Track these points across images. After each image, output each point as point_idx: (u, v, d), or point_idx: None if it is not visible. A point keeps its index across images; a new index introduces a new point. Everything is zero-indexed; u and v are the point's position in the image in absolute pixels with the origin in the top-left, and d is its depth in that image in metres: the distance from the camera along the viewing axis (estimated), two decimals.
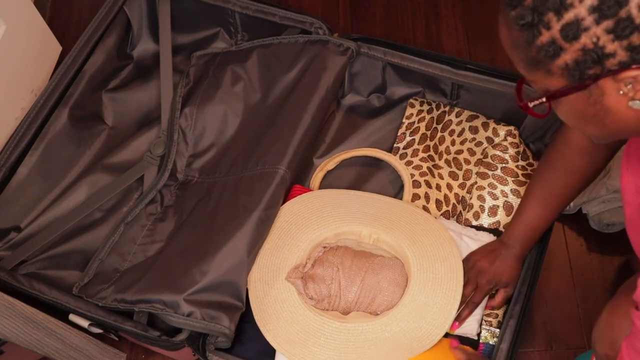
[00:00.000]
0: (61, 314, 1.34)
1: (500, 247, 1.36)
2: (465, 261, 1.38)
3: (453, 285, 1.33)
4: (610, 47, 0.76)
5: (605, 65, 0.78)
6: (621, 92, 0.80)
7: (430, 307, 1.31)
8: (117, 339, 1.48)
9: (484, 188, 1.49)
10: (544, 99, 0.85)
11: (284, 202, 1.46)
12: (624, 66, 0.77)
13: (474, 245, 1.41)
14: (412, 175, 1.53)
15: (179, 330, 1.33)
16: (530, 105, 0.87)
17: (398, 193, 1.56)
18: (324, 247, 1.40)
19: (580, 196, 1.46)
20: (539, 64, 0.82)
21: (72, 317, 1.35)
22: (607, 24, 0.75)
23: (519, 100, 0.91)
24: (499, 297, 1.36)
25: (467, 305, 1.35)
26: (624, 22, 0.74)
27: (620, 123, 0.84)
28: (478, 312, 1.36)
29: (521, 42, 0.82)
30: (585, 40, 0.76)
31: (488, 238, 1.42)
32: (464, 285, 1.34)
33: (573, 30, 0.76)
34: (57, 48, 1.84)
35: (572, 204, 1.55)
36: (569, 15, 0.76)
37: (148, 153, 1.58)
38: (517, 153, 1.50)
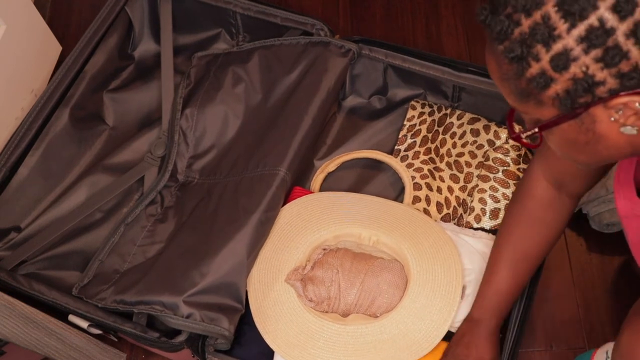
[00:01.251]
0: (61, 314, 1.33)
1: (472, 326, 1.28)
2: (443, 356, 1.30)
3: (452, 287, 1.33)
4: (600, 75, 0.77)
5: (595, 93, 0.78)
6: (612, 118, 0.80)
7: (430, 309, 1.31)
8: (116, 339, 1.48)
9: (486, 191, 1.49)
10: (536, 130, 0.86)
11: (284, 204, 1.46)
12: (613, 93, 0.78)
13: (472, 242, 1.41)
14: (413, 178, 1.53)
15: (178, 332, 1.33)
16: (523, 136, 0.88)
17: (399, 195, 1.56)
18: (324, 249, 1.40)
19: None
20: (529, 95, 0.82)
21: (72, 318, 1.35)
22: (596, 52, 0.76)
23: (511, 132, 0.91)
24: None
25: None
26: (613, 51, 0.75)
27: (612, 149, 0.85)
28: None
29: (510, 74, 0.82)
30: (574, 69, 0.77)
31: (486, 237, 1.42)
32: None
33: (562, 61, 0.77)
34: (57, 48, 1.84)
35: None
36: (557, 46, 0.77)
37: (148, 154, 1.58)
38: (519, 156, 1.50)
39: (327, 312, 1.35)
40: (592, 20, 0.75)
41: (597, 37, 0.75)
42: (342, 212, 1.45)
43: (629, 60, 0.76)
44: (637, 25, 0.74)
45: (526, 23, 0.78)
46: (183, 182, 1.55)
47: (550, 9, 0.76)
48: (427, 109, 1.62)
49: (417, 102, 1.63)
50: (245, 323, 1.36)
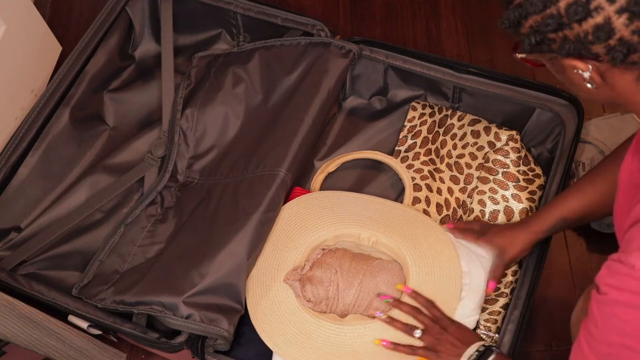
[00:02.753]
0: (60, 315, 1.34)
1: (523, 227, 1.35)
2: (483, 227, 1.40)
3: (451, 289, 1.33)
4: (550, 35, 0.86)
5: (550, 47, 0.88)
6: (575, 71, 0.89)
7: None
8: (116, 340, 1.49)
9: (485, 192, 1.49)
10: (524, 55, 0.93)
11: (284, 204, 1.46)
12: (564, 54, 0.86)
13: (468, 245, 1.41)
14: (413, 179, 1.53)
15: (177, 333, 1.33)
16: (518, 56, 0.94)
17: (399, 196, 1.56)
18: (323, 249, 1.40)
19: None
20: (518, 23, 0.90)
21: (72, 318, 1.36)
22: (542, 15, 0.85)
23: (513, 49, 0.97)
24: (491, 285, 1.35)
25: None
26: (553, 19, 0.84)
27: (586, 94, 0.93)
28: (475, 313, 1.35)
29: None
30: (531, 22, 0.87)
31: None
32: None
33: (520, 12, 0.87)
34: (57, 48, 1.84)
35: None
36: None
37: (149, 154, 1.58)
38: (519, 158, 1.50)
39: (325, 312, 1.35)
40: None
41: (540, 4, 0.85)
42: (342, 212, 1.45)
43: (572, 31, 0.84)
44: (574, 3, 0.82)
45: None
46: (183, 183, 1.55)
47: None
48: (427, 110, 1.62)
49: (418, 103, 1.63)
50: (244, 324, 1.36)
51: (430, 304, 1.29)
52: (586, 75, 0.89)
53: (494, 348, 1.22)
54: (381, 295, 1.31)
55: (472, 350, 1.21)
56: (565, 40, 0.85)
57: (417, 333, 1.26)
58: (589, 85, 0.91)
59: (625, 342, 0.89)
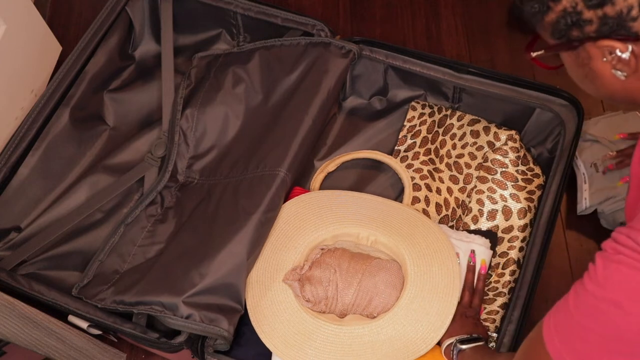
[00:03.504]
0: (60, 315, 1.34)
1: None
2: None
3: (450, 289, 1.33)
4: (587, 14, 0.82)
5: (584, 30, 0.83)
6: (604, 59, 0.86)
7: (427, 310, 1.31)
8: (116, 340, 1.49)
9: (483, 192, 1.49)
10: (542, 52, 0.91)
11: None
12: (601, 35, 0.83)
13: (464, 247, 1.41)
14: (413, 178, 1.53)
15: (177, 333, 1.33)
16: (533, 55, 0.93)
17: (399, 196, 1.56)
18: (322, 249, 1.40)
19: (597, 196, 1.48)
20: (534, 16, 0.88)
21: (71, 318, 1.36)
22: None
23: (526, 49, 0.95)
24: None
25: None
26: None
27: (609, 88, 0.90)
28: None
29: None
30: (565, 3, 0.83)
31: (480, 240, 1.42)
32: None
33: None
34: (57, 48, 1.84)
35: (588, 203, 1.55)
36: None
37: (149, 154, 1.58)
38: (517, 157, 1.50)
39: (324, 312, 1.35)
40: None
41: None
42: (341, 212, 1.45)
43: (614, 6, 0.81)
44: None
45: None
46: (183, 183, 1.55)
47: None
48: (427, 110, 1.62)
49: (418, 102, 1.63)
50: (244, 324, 1.36)
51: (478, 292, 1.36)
52: (625, 55, 0.84)
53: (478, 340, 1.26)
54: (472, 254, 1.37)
55: (451, 339, 1.26)
56: (605, 18, 0.82)
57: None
58: (618, 74, 0.87)
59: (618, 299, 0.88)
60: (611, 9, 0.81)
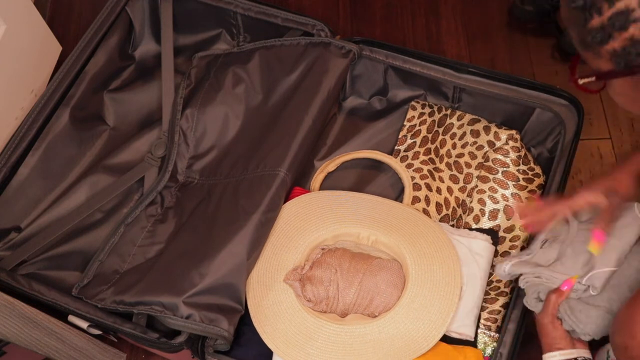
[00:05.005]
0: (60, 315, 1.33)
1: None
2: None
3: (451, 288, 1.33)
4: None
5: None
6: None
7: (428, 309, 1.31)
8: (116, 340, 1.48)
9: (485, 192, 1.49)
10: (593, 78, 0.87)
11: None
12: None
13: (466, 242, 1.41)
14: (413, 178, 1.53)
15: (178, 333, 1.33)
16: (581, 82, 0.90)
17: (399, 196, 1.56)
18: (322, 249, 1.40)
19: (523, 267, 1.31)
20: (589, 45, 0.83)
21: (71, 318, 1.36)
22: None
23: (572, 74, 0.92)
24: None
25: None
26: None
27: None
28: (474, 313, 1.35)
29: (573, 20, 0.83)
30: (633, 31, 0.78)
31: (481, 236, 1.42)
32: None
33: (622, 20, 0.78)
34: (57, 48, 1.84)
35: (508, 269, 1.31)
36: (620, 4, 0.78)
37: (149, 154, 1.58)
38: (519, 157, 1.50)
39: (325, 312, 1.35)
40: None
41: None
42: (341, 212, 1.45)
43: None
44: None
45: None
46: (183, 183, 1.55)
47: None
48: (427, 110, 1.62)
49: (418, 102, 1.63)
50: (244, 324, 1.36)
51: None
52: None
53: None
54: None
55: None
56: None
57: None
58: None
59: None
60: None
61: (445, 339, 1.32)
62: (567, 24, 0.86)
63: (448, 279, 1.34)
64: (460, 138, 1.57)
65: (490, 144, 1.53)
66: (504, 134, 1.52)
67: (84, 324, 1.35)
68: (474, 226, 1.47)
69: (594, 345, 1.45)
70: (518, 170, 1.49)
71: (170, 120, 1.58)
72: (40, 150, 1.53)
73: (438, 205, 1.51)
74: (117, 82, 1.69)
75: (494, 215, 1.47)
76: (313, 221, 1.43)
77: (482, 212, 1.48)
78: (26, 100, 1.70)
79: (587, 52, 0.85)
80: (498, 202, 1.48)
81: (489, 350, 1.37)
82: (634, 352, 1.05)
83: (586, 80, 0.89)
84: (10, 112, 1.64)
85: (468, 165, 1.54)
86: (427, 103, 1.63)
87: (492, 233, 1.45)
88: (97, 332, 1.37)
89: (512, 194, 1.47)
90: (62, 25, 1.95)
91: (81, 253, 1.49)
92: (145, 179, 1.56)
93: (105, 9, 1.66)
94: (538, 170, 1.51)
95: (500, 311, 1.39)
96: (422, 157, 1.56)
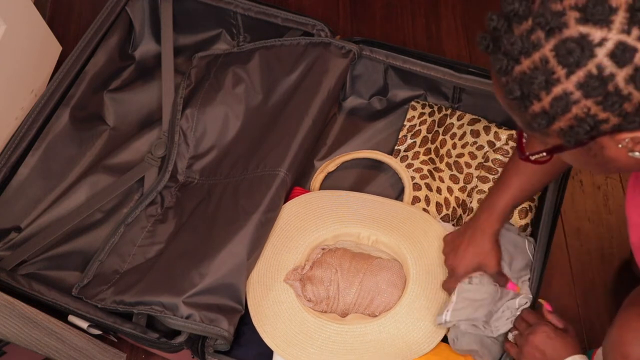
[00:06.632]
0: (60, 315, 1.34)
1: (470, 224, 1.30)
2: (445, 251, 1.35)
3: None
4: (603, 115, 0.77)
5: (600, 129, 0.78)
6: (620, 145, 0.81)
7: (429, 309, 1.31)
8: (116, 340, 1.49)
9: (485, 192, 1.49)
10: (544, 154, 0.87)
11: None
12: (619, 129, 0.78)
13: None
14: (413, 178, 1.53)
15: (178, 333, 1.33)
16: (532, 158, 0.89)
17: (399, 195, 1.56)
18: (323, 249, 1.40)
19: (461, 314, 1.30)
20: (533, 128, 0.82)
21: (71, 318, 1.36)
22: (596, 97, 0.75)
23: (520, 153, 0.91)
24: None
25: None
26: (613, 96, 0.75)
27: (622, 167, 0.85)
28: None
29: (514, 107, 0.82)
30: (576, 111, 0.77)
31: None
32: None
33: (563, 104, 0.77)
34: (57, 48, 1.84)
35: (449, 317, 1.28)
36: (557, 90, 0.76)
37: (149, 154, 1.58)
38: None
39: (325, 311, 1.35)
40: (591, 67, 0.74)
41: (596, 84, 0.75)
42: (341, 212, 1.45)
43: (631, 102, 0.75)
44: (637, 70, 0.74)
45: (525, 63, 0.77)
46: (183, 183, 1.55)
47: (547, 52, 0.76)
48: (427, 110, 1.62)
49: (418, 102, 1.63)
50: (244, 324, 1.36)
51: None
52: None
53: None
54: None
55: None
56: (624, 115, 0.76)
57: (510, 337, 1.26)
58: (637, 154, 0.82)
59: None
60: (629, 105, 0.76)
61: (446, 339, 1.32)
62: (509, 111, 0.84)
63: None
64: (461, 138, 1.57)
65: (491, 144, 1.53)
66: (504, 134, 1.52)
67: (84, 324, 1.35)
68: None
69: (594, 345, 1.46)
70: None
71: (170, 120, 1.58)
72: (40, 150, 1.53)
73: (438, 205, 1.51)
74: (117, 82, 1.69)
75: None
76: (313, 221, 1.43)
77: None
78: (26, 100, 1.70)
79: (532, 132, 0.84)
80: None
81: None
82: None
83: (537, 156, 0.88)
84: (10, 112, 1.64)
85: (468, 165, 1.54)
86: (427, 103, 1.63)
87: None
88: (97, 332, 1.37)
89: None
90: (62, 25, 1.95)
91: (81, 253, 1.49)
92: (145, 179, 1.56)
93: (105, 9, 1.66)
94: None
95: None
96: (422, 157, 1.56)
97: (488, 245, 1.28)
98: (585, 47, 0.74)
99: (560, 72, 0.75)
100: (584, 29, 0.74)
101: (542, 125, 0.80)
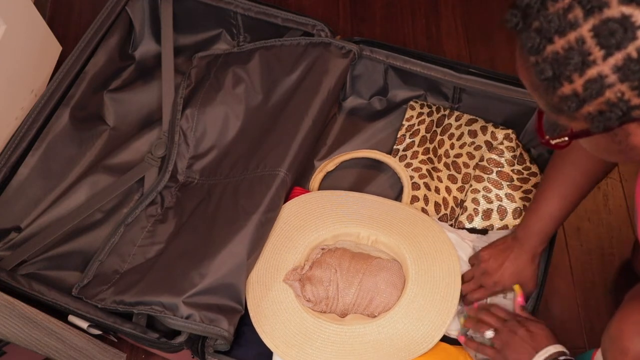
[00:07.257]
0: (60, 315, 1.34)
1: (514, 245, 1.31)
2: (474, 257, 1.37)
3: (451, 288, 1.33)
4: (636, 100, 0.74)
5: (631, 115, 0.76)
6: None
7: (428, 309, 1.31)
8: (116, 340, 1.49)
9: (479, 191, 1.49)
10: (565, 138, 0.84)
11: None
12: None
13: (463, 244, 1.41)
14: (412, 177, 1.53)
15: (178, 333, 1.33)
16: (553, 142, 0.86)
17: (398, 195, 1.56)
18: (322, 249, 1.40)
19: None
20: (560, 110, 0.79)
21: (71, 318, 1.36)
22: (632, 82, 0.73)
23: (540, 136, 0.88)
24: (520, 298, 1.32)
25: (464, 301, 1.35)
26: None
27: None
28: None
29: (541, 89, 0.79)
30: (609, 95, 0.74)
31: (477, 239, 1.42)
32: (467, 280, 1.35)
33: (596, 87, 0.74)
34: (57, 48, 1.84)
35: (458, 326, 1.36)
36: (591, 72, 0.74)
37: (149, 154, 1.58)
38: (514, 157, 1.50)
39: (325, 312, 1.35)
40: (631, 50, 0.72)
41: (636, 67, 0.72)
42: (341, 212, 1.45)
43: None
44: None
45: (559, 43, 0.75)
46: (183, 183, 1.55)
47: (585, 33, 0.73)
48: (425, 110, 1.62)
49: (416, 102, 1.63)
50: (244, 324, 1.36)
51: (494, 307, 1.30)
52: None
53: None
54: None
55: (540, 358, 1.18)
56: None
57: (489, 334, 1.26)
58: None
59: None
60: None
61: (445, 339, 1.32)
62: (532, 92, 0.82)
63: (448, 279, 1.34)
64: (459, 138, 1.57)
65: (488, 144, 1.53)
66: (500, 134, 1.52)
67: (84, 324, 1.35)
68: (467, 225, 1.47)
69: (594, 345, 1.46)
70: (512, 170, 1.49)
71: (170, 120, 1.58)
72: (40, 150, 1.53)
73: (437, 204, 1.51)
74: (117, 82, 1.69)
75: (487, 214, 1.47)
76: (313, 221, 1.43)
77: (476, 211, 1.48)
78: (26, 100, 1.70)
79: (558, 116, 0.81)
80: (492, 202, 1.48)
81: None
82: None
83: (559, 140, 0.85)
84: (10, 112, 1.64)
85: (466, 165, 1.54)
86: (425, 103, 1.63)
87: (485, 233, 1.45)
88: (97, 332, 1.37)
89: (506, 194, 1.47)
90: (62, 25, 1.95)
91: (81, 253, 1.49)
92: (145, 179, 1.56)
93: (105, 9, 1.66)
94: (535, 169, 1.51)
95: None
96: (420, 157, 1.56)
97: (532, 268, 1.32)
98: (628, 28, 0.71)
99: (597, 53, 0.73)
100: (626, 10, 0.72)
101: (572, 109, 0.77)
